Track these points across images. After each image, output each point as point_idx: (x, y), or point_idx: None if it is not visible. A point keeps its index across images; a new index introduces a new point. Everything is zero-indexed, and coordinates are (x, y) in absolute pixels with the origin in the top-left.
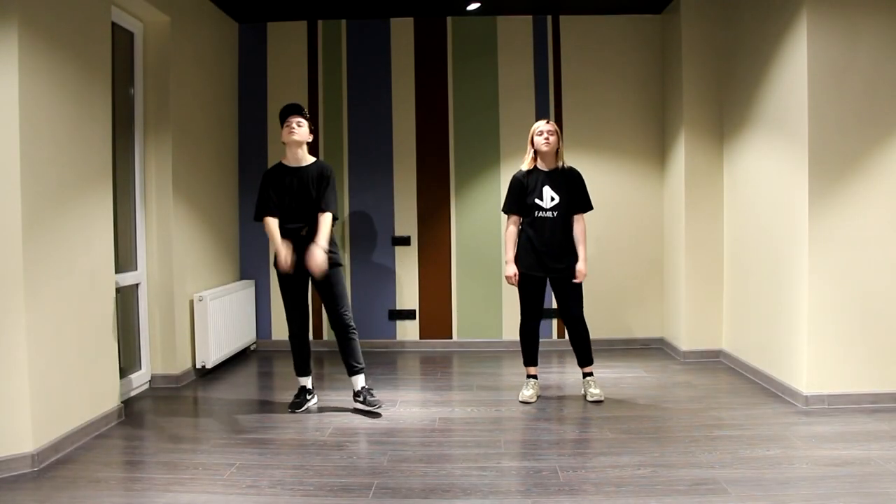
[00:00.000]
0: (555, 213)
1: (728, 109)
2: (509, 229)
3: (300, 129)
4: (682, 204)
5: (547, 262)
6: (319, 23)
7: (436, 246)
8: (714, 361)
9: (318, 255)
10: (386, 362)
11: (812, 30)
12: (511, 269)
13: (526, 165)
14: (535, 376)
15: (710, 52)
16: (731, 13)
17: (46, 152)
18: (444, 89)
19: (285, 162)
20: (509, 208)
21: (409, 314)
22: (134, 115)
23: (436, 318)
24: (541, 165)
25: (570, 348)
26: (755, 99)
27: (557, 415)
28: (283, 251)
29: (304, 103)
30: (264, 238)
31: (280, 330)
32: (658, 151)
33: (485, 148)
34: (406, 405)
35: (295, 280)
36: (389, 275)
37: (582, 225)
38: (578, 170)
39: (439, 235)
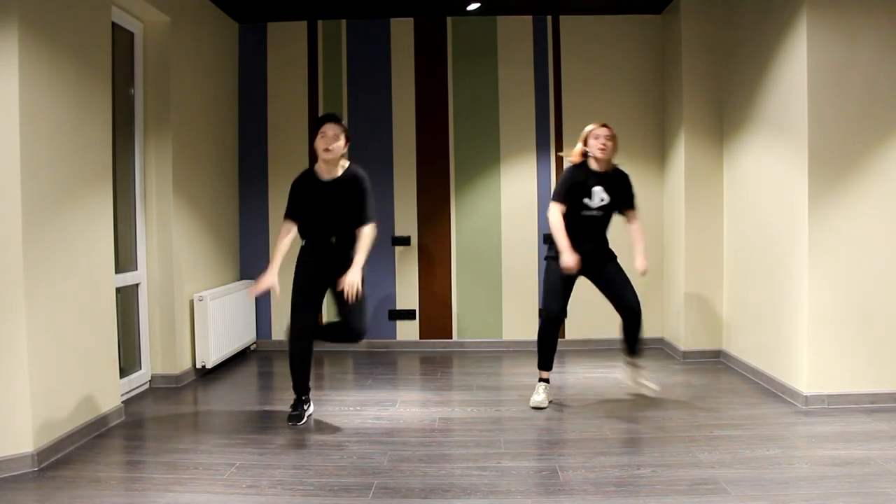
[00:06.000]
0: (600, 213)
1: (728, 109)
2: (559, 218)
3: (336, 145)
4: (682, 204)
5: (585, 260)
6: (319, 23)
7: (436, 246)
8: (714, 361)
9: (355, 281)
10: (386, 362)
11: (812, 30)
12: (572, 256)
13: (574, 158)
14: (547, 380)
15: (710, 53)
16: (731, 13)
17: (46, 152)
18: (444, 89)
19: (317, 171)
20: (563, 198)
21: (409, 314)
22: (134, 115)
23: (436, 318)
24: (592, 164)
25: (571, 349)
26: (755, 99)
27: (557, 415)
28: (264, 280)
29: (304, 103)
30: (264, 238)
31: (280, 329)
32: (658, 151)
33: (485, 148)
34: (406, 405)
35: (317, 280)
36: (389, 275)
37: (638, 224)
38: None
39: (439, 235)
